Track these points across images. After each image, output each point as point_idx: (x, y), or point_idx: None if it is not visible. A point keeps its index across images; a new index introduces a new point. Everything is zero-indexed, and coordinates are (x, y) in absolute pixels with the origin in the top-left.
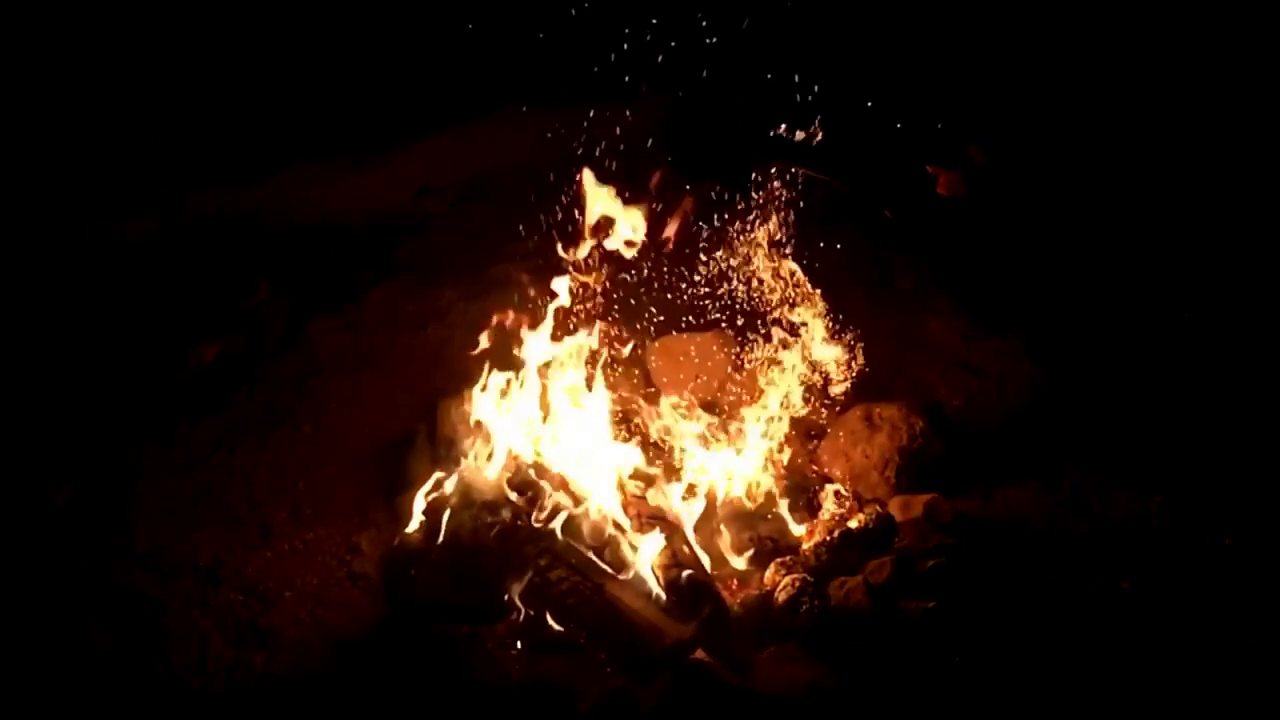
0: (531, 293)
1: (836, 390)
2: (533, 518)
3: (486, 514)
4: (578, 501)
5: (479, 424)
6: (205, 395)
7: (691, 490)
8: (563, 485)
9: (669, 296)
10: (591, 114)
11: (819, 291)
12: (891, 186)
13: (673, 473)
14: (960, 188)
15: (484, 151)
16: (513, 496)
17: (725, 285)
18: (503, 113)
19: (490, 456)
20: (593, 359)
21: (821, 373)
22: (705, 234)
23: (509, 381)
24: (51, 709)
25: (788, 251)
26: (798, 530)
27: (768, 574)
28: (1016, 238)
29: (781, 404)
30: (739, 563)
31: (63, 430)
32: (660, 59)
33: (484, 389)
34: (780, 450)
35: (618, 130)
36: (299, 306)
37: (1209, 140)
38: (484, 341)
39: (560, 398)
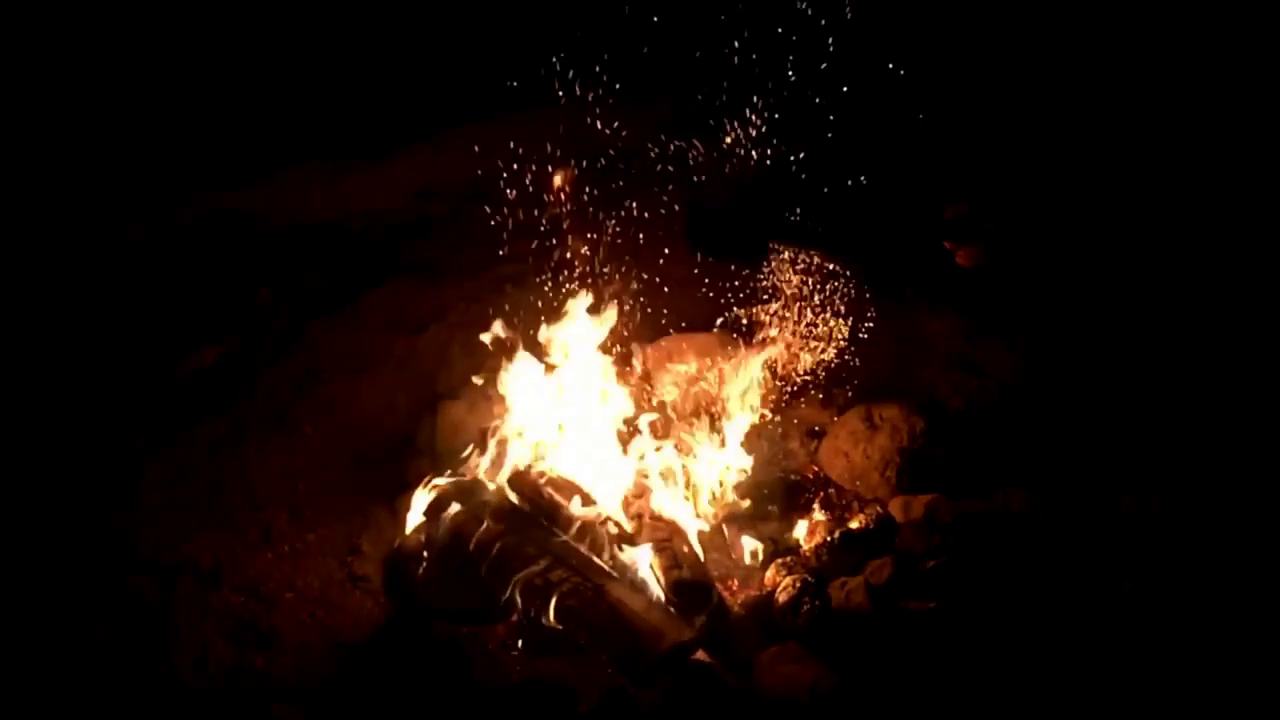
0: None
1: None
2: (534, 518)
3: (487, 515)
4: (579, 502)
5: (481, 425)
6: (206, 397)
7: (692, 490)
8: (564, 486)
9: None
10: (592, 116)
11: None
12: (909, 263)
13: (673, 473)
14: (980, 258)
15: (484, 153)
16: (513, 497)
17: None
18: (503, 114)
19: (491, 457)
20: (594, 359)
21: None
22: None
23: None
24: (53, 709)
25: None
26: (798, 531)
27: (768, 574)
28: (1020, 248)
29: (779, 403)
30: (740, 563)
31: (64, 432)
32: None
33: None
34: (780, 450)
35: (618, 130)
36: (299, 307)
37: (1206, 148)
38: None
39: (562, 397)
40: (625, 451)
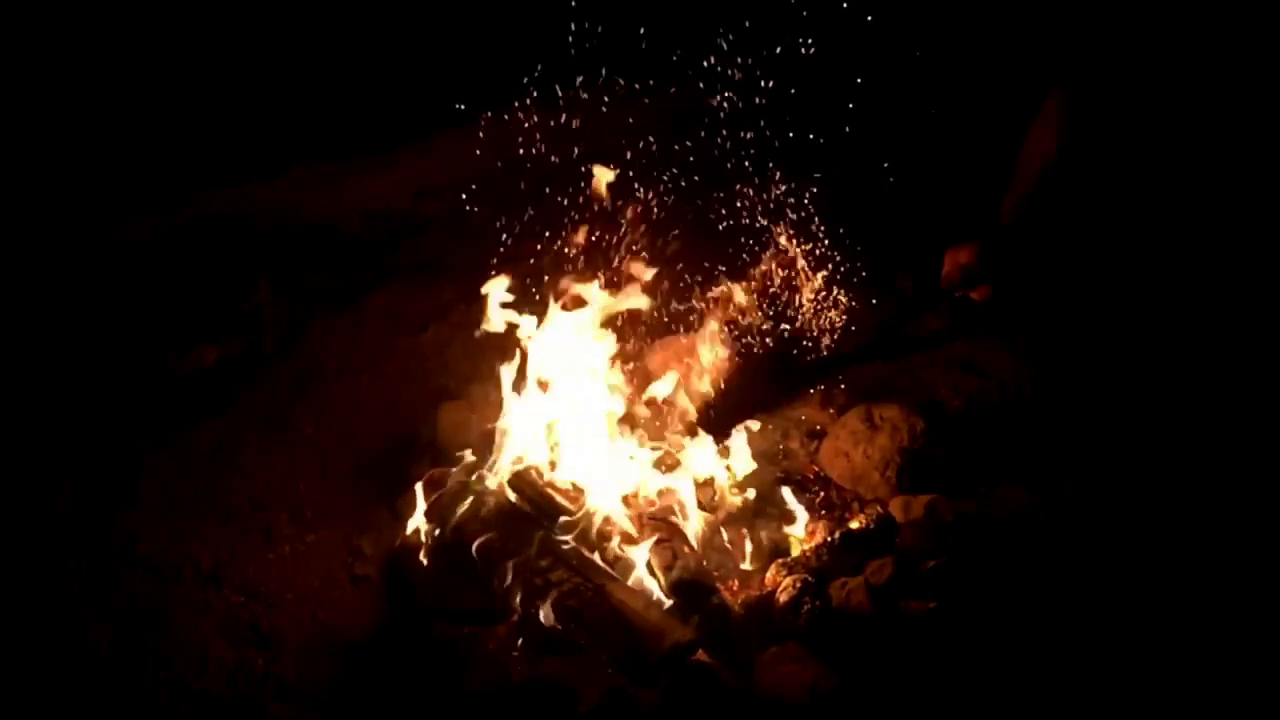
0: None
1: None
2: (534, 519)
3: (488, 515)
4: (580, 502)
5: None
6: (206, 397)
7: (692, 489)
8: (564, 486)
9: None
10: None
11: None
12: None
13: (674, 473)
14: (992, 293)
15: (484, 152)
16: (514, 497)
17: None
18: (503, 113)
19: (492, 457)
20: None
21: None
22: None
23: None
24: (52, 710)
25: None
26: (799, 531)
27: (769, 574)
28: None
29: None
30: (740, 563)
31: (64, 432)
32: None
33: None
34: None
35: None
36: (299, 308)
37: (1209, 148)
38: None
39: (563, 398)
40: (625, 450)
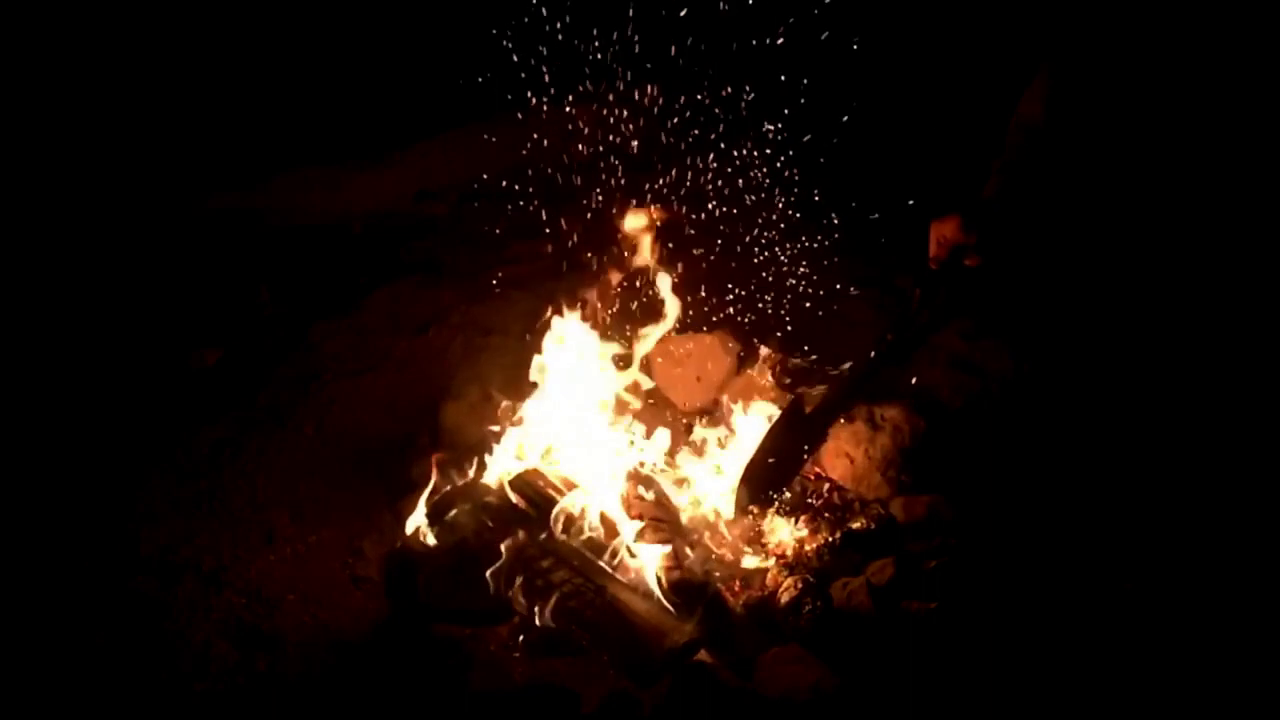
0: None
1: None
2: (535, 519)
3: (489, 516)
4: (580, 503)
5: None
6: (207, 398)
7: (692, 490)
8: (565, 486)
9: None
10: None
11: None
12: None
13: (675, 473)
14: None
15: (484, 153)
16: (514, 498)
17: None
18: (503, 114)
19: (493, 458)
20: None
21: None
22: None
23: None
24: (53, 710)
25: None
26: (800, 532)
27: (770, 575)
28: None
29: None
30: (742, 564)
31: (65, 434)
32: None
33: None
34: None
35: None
36: (300, 309)
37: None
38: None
39: (563, 399)
40: (627, 451)
